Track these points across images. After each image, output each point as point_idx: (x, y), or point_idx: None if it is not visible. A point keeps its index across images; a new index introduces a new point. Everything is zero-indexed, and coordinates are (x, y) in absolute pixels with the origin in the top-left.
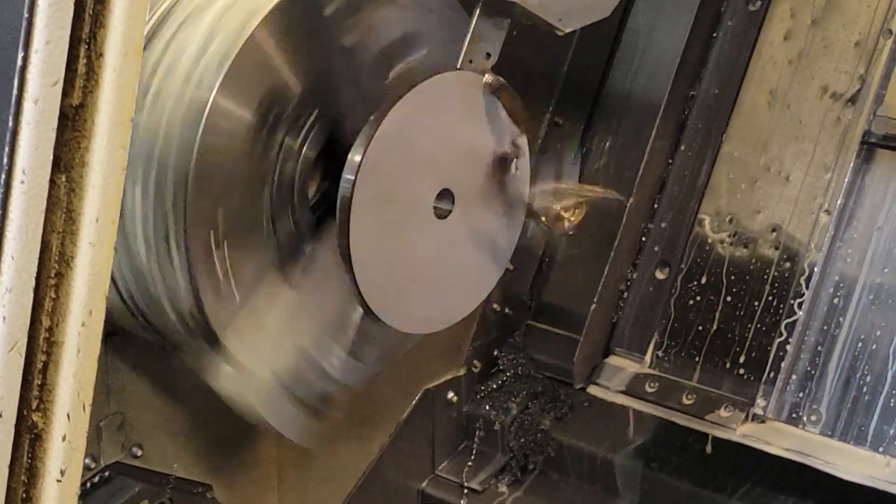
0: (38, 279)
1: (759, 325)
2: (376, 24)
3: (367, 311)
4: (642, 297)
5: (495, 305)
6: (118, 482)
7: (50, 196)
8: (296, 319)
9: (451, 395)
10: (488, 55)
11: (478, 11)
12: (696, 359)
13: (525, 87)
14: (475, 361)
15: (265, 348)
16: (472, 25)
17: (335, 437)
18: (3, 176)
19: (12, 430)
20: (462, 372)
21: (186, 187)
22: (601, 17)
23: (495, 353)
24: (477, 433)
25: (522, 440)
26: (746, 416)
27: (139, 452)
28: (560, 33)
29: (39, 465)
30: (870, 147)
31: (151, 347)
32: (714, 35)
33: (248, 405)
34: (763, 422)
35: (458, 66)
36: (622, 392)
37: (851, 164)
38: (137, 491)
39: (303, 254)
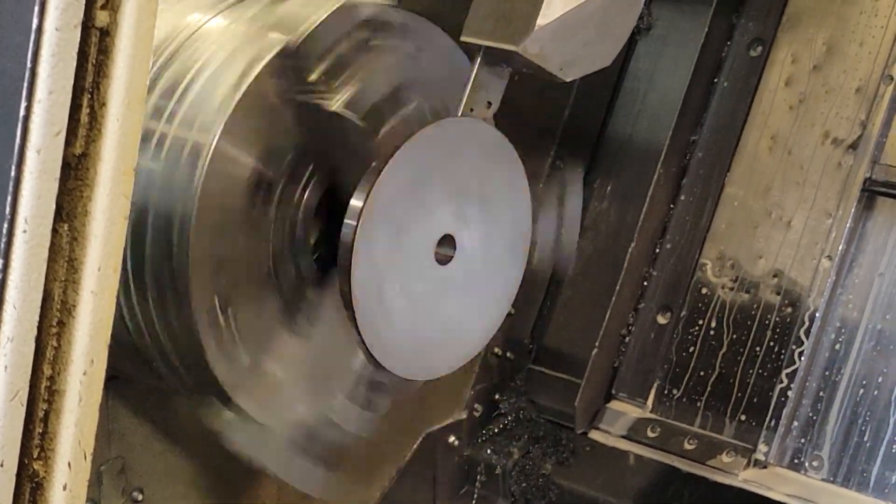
0: (39, 328)
1: (760, 371)
2: (364, 83)
3: (370, 358)
4: (644, 342)
5: (496, 349)
6: None
7: (52, 245)
8: (305, 371)
9: (452, 438)
10: (489, 104)
11: (479, 60)
12: (698, 404)
13: (527, 129)
14: (476, 405)
15: (276, 403)
16: (473, 74)
17: (336, 481)
18: (6, 225)
19: (13, 479)
20: (463, 416)
21: (188, 239)
22: (602, 67)
23: (496, 396)
24: (478, 477)
25: (524, 485)
26: (748, 462)
27: (140, 497)
28: (561, 82)
29: None
30: (871, 195)
31: (152, 392)
32: (715, 80)
33: (261, 459)
34: (765, 467)
35: (459, 115)
36: (624, 437)
37: (853, 210)
38: None
39: (307, 302)
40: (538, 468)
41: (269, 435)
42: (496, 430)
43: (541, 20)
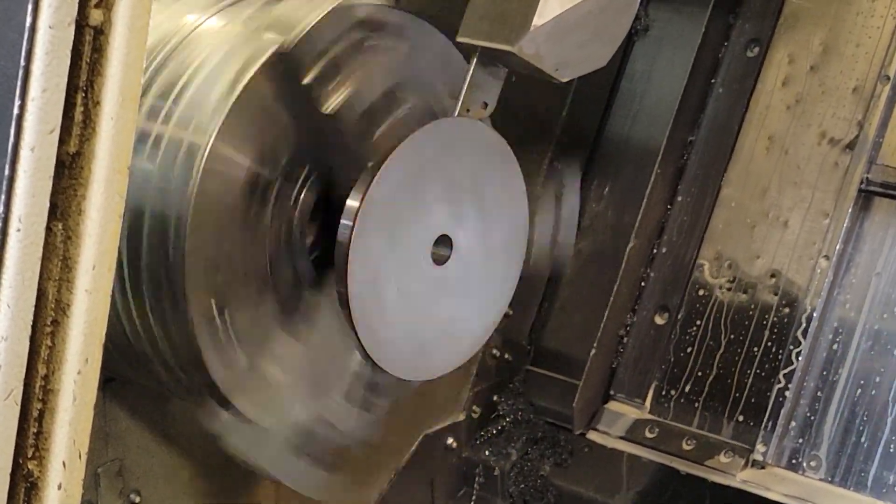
0: (34, 327)
1: (758, 371)
2: (359, 85)
3: (367, 359)
4: (642, 343)
5: (494, 351)
6: None
7: (46, 244)
8: (302, 372)
9: (450, 440)
10: (485, 104)
11: (475, 61)
12: (696, 404)
13: (524, 130)
14: (475, 407)
15: (274, 405)
16: (469, 74)
17: (336, 482)
18: (0, 223)
19: (8, 479)
20: (461, 417)
21: (184, 240)
22: (598, 67)
23: (495, 398)
24: (477, 479)
25: (522, 486)
26: (746, 462)
27: (137, 499)
28: (557, 83)
29: None
30: (867, 195)
31: (150, 394)
32: (712, 81)
33: (259, 462)
34: (763, 468)
35: (455, 115)
36: (622, 438)
37: (850, 210)
38: None
39: (305, 304)
40: (536, 469)
41: (267, 436)
42: (494, 432)
43: (537, 20)
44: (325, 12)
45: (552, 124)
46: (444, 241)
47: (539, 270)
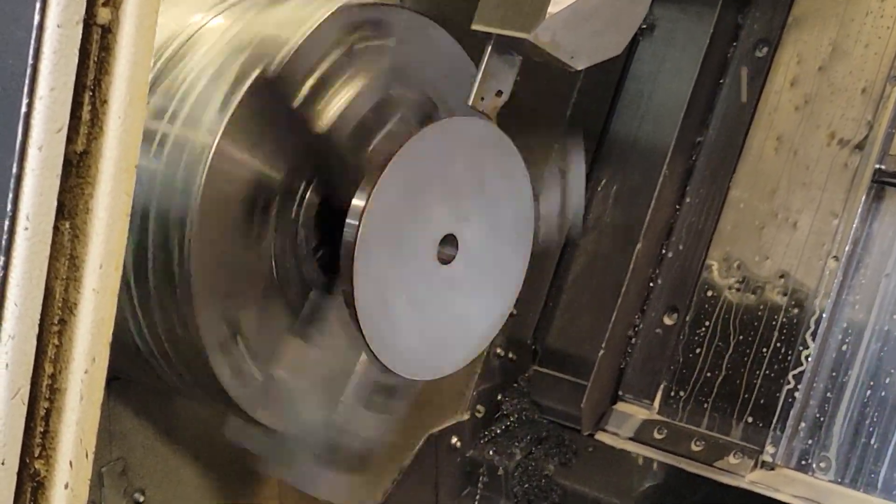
0: (41, 326)
1: (767, 372)
2: (347, 102)
3: (373, 358)
4: (650, 343)
5: (499, 350)
6: None
7: (54, 242)
8: (318, 377)
9: (454, 440)
10: (500, 93)
11: (489, 48)
12: (705, 405)
13: (528, 131)
14: (479, 406)
15: (294, 412)
16: (484, 62)
17: (359, 484)
18: (7, 222)
19: (14, 478)
20: (466, 417)
21: (190, 239)
22: (613, 55)
23: (499, 397)
24: (481, 479)
25: (527, 486)
26: (755, 464)
27: (142, 498)
28: (571, 70)
29: None
30: (880, 187)
31: (154, 393)
32: (721, 81)
33: (289, 474)
34: (772, 469)
35: (470, 104)
36: (631, 439)
37: (859, 210)
38: None
39: (313, 307)
40: (541, 469)
41: (292, 447)
42: (498, 431)
43: (552, 8)
44: (323, 19)
45: (557, 125)
46: (449, 241)
47: (549, 244)
